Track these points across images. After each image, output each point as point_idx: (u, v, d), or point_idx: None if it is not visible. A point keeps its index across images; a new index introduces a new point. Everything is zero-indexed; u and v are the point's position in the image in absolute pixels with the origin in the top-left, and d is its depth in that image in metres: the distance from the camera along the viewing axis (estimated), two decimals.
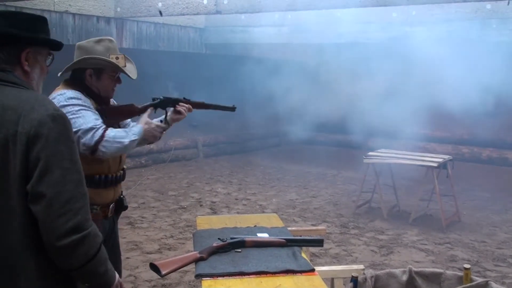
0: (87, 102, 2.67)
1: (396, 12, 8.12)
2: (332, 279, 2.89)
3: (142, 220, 6.33)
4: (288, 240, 3.00)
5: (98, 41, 2.80)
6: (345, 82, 10.23)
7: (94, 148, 2.53)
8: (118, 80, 2.89)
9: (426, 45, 9.02)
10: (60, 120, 1.73)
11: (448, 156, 6.78)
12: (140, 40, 9.39)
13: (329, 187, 8.48)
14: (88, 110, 2.62)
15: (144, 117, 2.88)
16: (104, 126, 2.60)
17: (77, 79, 2.75)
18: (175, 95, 3.21)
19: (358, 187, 6.92)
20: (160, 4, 7.97)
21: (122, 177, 2.90)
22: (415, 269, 2.11)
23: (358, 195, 6.89)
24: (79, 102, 2.61)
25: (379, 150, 7.19)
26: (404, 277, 2.06)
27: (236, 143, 11.52)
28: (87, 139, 2.53)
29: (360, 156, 6.99)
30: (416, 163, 6.42)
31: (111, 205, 2.79)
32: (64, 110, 2.39)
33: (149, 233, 5.84)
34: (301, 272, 2.62)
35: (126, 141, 2.64)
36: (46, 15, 7.90)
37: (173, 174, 9.09)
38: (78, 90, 2.68)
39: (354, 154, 9.86)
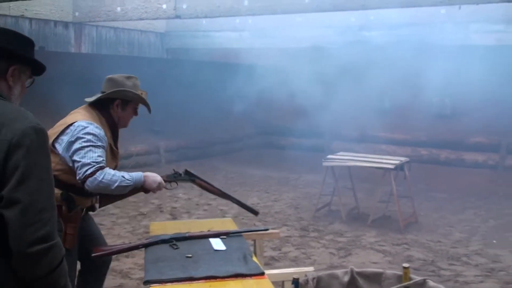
0: (102, 135, 3.05)
1: (354, 17, 8.24)
2: (283, 282, 2.90)
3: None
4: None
5: (128, 78, 3.32)
6: (307, 86, 10.31)
7: (83, 181, 2.92)
8: (136, 112, 3.38)
9: (385, 49, 9.19)
10: (41, 133, 1.82)
11: (405, 158, 6.90)
12: (99, 45, 9.29)
13: (290, 191, 8.52)
14: (96, 148, 2.98)
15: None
16: (97, 166, 2.93)
17: (103, 106, 3.22)
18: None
19: (319, 190, 6.98)
20: (119, 9, 7.91)
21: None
22: (357, 270, 2.14)
23: (318, 198, 6.95)
24: (93, 139, 2.98)
25: (338, 153, 7.26)
26: (346, 278, 2.08)
27: (198, 148, 11.47)
28: (81, 172, 2.91)
29: (322, 159, 7.05)
30: (374, 165, 6.51)
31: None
32: (79, 140, 2.93)
33: (107, 241, 5.74)
34: (250, 275, 2.63)
35: (114, 185, 2.99)
36: (1, 20, 7.75)
37: None
38: (101, 115, 3.18)
39: (316, 158, 9.93)
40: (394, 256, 5.40)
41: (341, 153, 7.35)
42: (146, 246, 3.08)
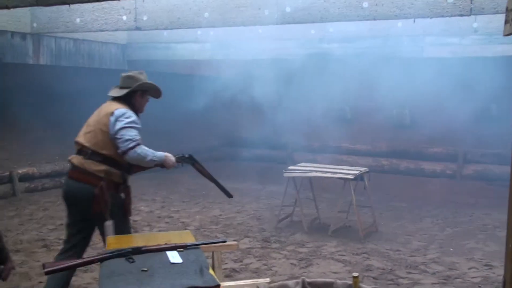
0: (137, 118, 4.04)
1: (314, 29, 8.36)
2: None
3: (58, 242, 6.11)
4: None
5: (140, 73, 4.20)
6: (269, 98, 10.39)
7: (125, 152, 3.83)
8: (148, 100, 4.28)
9: (344, 61, 9.35)
10: None
11: (365, 168, 7.00)
12: (58, 57, 9.16)
13: (253, 202, 8.53)
14: (134, 128, 3.94)
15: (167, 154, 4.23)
16: (137, 141, 3.88)
17: (126, 98, 4.08)
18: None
19: (281, 201, 7.01)
20: (78, 20, 7.82)
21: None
22: (308, 280, 2.16)
23: (280, 209, 6.98)
24: (131, 121, 3.95)
25: (299, 164, 7.32)
26: None
27: None
28: (124, 145, 3.83)
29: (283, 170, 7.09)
30: (334, 176, 6.58)
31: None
32: (124, 119, 3.89)
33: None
34: None
35: (147, 159, 3.94)
36: None
37: None
38: (126, 105, 4.04)
39: (279, 169, 9.99)
40: (354, 266, 5.46)
41: (302, 164, 7.42)
42: (101, 260, 3.04)
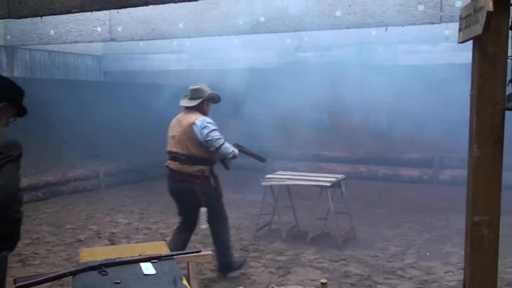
0: (214, 123, 5.13)
1: (289, 38, 8.41)
2: None
3: (34, 257, 6.05)
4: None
5: (205, 85, 5.30)
6: (247, 107, 10.42)
7: (218, 149, 5.04)
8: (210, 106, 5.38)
9: (320, 69, 9.42)
10: (15, 145, 2.77)
11: (342, 175, 7.05)
12: (33, 69, 9.06)
13: (233, 211, 8.48)
14: (216, 130, 5.09)
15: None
16: (224, 139, 5.10)
17: (199, 107, 5.17)
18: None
19: (259, 209, 7.01)
20: (52, 32, 7.76)
21: None
22: None
23: (259, 218, 6.98)
24: (213, 125, 5.09)
25: (277, 173, 7.34)
26: None
27: (140, 171, 11.32)
28: (216, 143, 5.01)
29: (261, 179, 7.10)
30: (311, 183, 6.62)
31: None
32: (207, 124, 5.04)
33: (41, 270, 5.58)
34: None
35: (231, 154, 5.20)
36: None
37: (72, 207, 8.77)
38: (200, 114, 5.18)
39: (258, 178, 10.00)
40: (332, 273, 5.48)
41: (280, 172, 7.44)
42: (73, 274, 3.02)
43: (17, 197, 2.72)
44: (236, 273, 5.50)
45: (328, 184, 6.41)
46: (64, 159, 10.23)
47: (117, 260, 3.12)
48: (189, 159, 5.03)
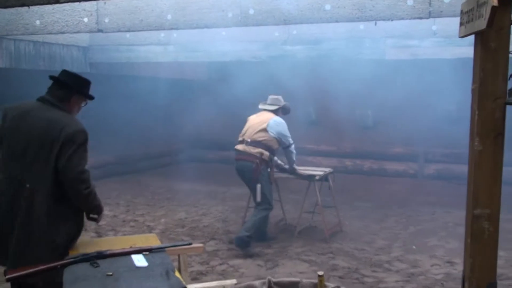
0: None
1: (278, 31, 8.39)
2: None
3: None
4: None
5: (280, 97, 6.55)
6: (234, 99, 10.40)
7: (287, 146, 6.26)
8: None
9: (308, 63, 9.43)
10: (83, 133, 3.31)
11: (329, 168, 7.08)
12: (18, 59, 8.94)
13: (219, 204, 8.52)
14: (288, 131, 6.24)
15: None
16: (293, 143, 6.29)
17: (277, 112, 6.38)
18: None
19: (247, 203, 7.02)
20: (38, 22, 7.67)
21: None
22: (274, 280, 2.18)
23: (246, 211, 6.99)
24: (285, 126, 6.25)
25: None
26: None
27: (125, 163, 11.26)
28: (287, 141, 6.25)
29: None
30: (299, 177, 6.63)
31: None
32: (280, 125, 6.23)
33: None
34: None
35: (294, 158, 6.45)
36: None
37: None
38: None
39: None
40: (320, 266, 5.51)
41: None
42: (64, 265, 2.99)
43: (82, 178, 3.21)
44: (224, 266, 5.52)
45: (317, 177, 6.43)
46: None
47: (108, 252, 3.11)
48: (253, 143, 6.13)
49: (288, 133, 6.21)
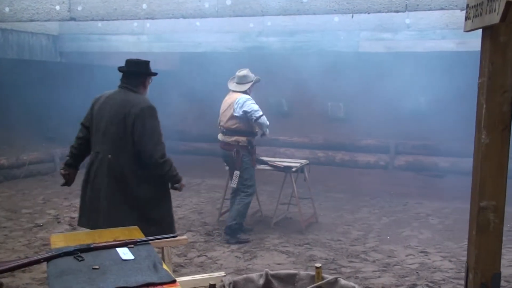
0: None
1: (253, 22, 8.38)
2: None
3: None
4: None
5: (248, 70, 6.35)
6: (207, 91, 10.33)
7: (256, 119, 5.99)
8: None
9: (282, 54, 9.44)
10: (151, 109, 3.97)
11: (305, 160, 7.12)
12: None
13: (193, 196, 8.47)
14: (255, 104, 6.02)
15: None
16: (261, 112, 6.03)
17: (248, 92, 6.21)
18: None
19: (222, 194, 7.00)
20: (7, 9, 7.45)
21: None
22: (271, 272, 2.18)
23: (222, 203, 6.97)
24: (252, 100, 6.07)
25: None
26: (261, 281, 2.12)
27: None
28: (255, 115, 5.97)
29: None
30: (275, 168, 6.64)
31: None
32: (246, 102, 6.01)
33: (0, 256, 5.41)
34: (161, 284, 2.58)
35: (266, 125, 6.12)
36: None
37: (28, 191, 8.51)
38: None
39: (218, 162, 9.98)
40: (297, 257, 5.55)
41: None
42: (48, 259, 2.93)
43: (156, 149, 3.85)
44: (202, 258, 5.50)
45: (293, 169, 6.46)
46: (17, 141, 9.91)
47: (92, 246, 3.05)
48: (228, 131, 6.15)
49: (254, 107, 6.00)
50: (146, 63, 4.15)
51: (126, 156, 3.87)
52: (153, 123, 3.89)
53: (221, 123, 6.28)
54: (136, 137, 3.82)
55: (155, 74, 4.21)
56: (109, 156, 3.88)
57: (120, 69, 4.18)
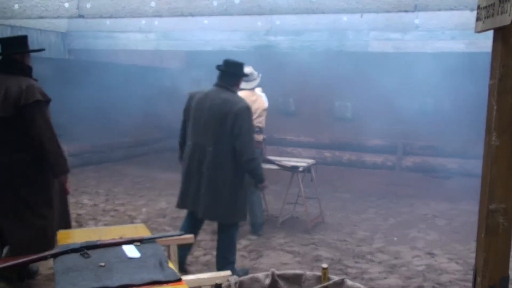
0: None
1: (261, 21, 8.35)
2: (200, 287, 2.88)
3: None
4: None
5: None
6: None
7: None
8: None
9: (290, 54, 9.42)
10: (248, 109, 4.33)
11: (312, 160, 7.11)
12: None
13: None
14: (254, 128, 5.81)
15: None
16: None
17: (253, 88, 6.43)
18: None
19: None
20: (16, 6, 7.47)
21: None
22: (278, 272, 2.17)
23: None
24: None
25: None
26: (267, 281, 2.11)
27: (103, 152, 11.10)
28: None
29: None
30: (283, 168, 6.63)
31: None
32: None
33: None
34: (167, 282, 2.59)
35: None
36: None
37: None
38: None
39: None
40: (303, 256, 5.54)
41: None
42: (54, 256, 2.94)
43: (249, 145, 4.27)
44: (208, 256, 5.51)
45: (301, 168, 6.45)
46: None
47: (98, 243, 3.07)
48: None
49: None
50: (241, 65, 4.59)
51: (224, 149, 4.29)
52: (250, 123, 4.31)
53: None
54: (234, 134, 4.23)
55: (246, 75, 4.82)
56: (210, 148, 4.31)
57: (219, 68, 4.57)
